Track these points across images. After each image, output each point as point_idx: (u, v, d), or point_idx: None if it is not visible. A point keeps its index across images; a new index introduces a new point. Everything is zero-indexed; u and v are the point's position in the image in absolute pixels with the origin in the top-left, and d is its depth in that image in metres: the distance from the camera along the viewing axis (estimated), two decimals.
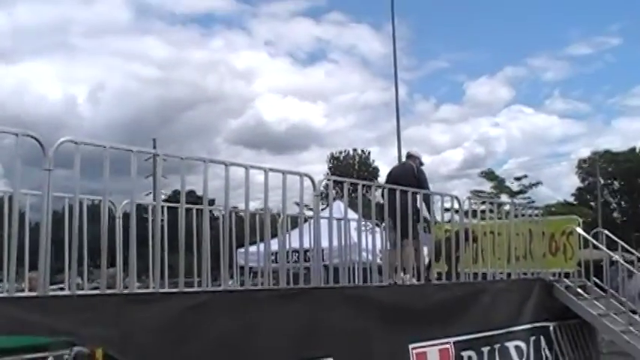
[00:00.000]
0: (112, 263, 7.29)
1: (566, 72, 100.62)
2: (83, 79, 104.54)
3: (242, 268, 9.62)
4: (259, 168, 6.78)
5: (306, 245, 7.59)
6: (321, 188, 7.81)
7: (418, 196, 9.19)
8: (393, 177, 10.07)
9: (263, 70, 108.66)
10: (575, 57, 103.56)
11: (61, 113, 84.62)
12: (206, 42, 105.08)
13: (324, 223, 7.69)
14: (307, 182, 7.22)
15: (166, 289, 6.42)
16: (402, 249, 8.70)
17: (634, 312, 10.81)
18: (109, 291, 5.80)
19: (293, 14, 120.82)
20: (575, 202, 71.12)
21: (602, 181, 71.21)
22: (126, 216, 7.85)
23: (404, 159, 11.84)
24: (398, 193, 8.24)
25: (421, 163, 10.73)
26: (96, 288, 7.10)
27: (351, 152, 77.93)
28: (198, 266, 7.46)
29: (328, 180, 8.14)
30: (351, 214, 8.98)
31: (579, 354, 10.63)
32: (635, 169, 73.33)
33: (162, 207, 8.09)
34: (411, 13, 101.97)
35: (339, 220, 8.26)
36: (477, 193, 45.43)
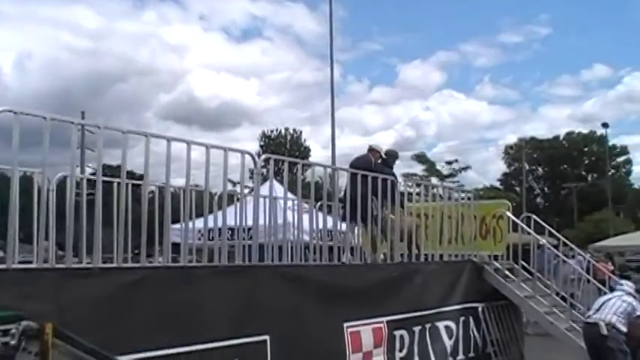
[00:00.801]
0: (44, 237, 7.13)
1: (497, 59, 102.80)
2: (8, 46, 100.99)
3: (175, 244, 9.52)
4: (200, 144, 6.72)
5: (243, 224, 7.57)
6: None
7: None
8: (352, 166, 10.24)
9: (196, 45, 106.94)
10: (506, 44, 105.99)
11: None
12: (138, 14, 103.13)
13: (261, 201, 7.68)
14: (240, 160, 7.16)
15: (105, 265, 6.31)
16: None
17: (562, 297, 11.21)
18: (46, 265, 5.69)
19: None
20: (501, 187, 72.84)
21: (527, 167, 72.99)
22: (59, 189, 7.69)
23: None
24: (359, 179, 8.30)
25: (381, 157, 11.01)
26: (25, 262, 6.97)
27: (283, 131, 77.89)
28: (132, 242, 7.38)
29: (268, 159, 8.12)
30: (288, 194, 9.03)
31: (505, 334, 10.96)
32: (558, 156, 75.58)
33: (94, 181, 7.92)
34: None
35: (276, 198, 8.27)
36: (409, 176, 45.99)
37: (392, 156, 11.46)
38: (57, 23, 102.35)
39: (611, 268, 19.32)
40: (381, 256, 9.91)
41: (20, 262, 7.07)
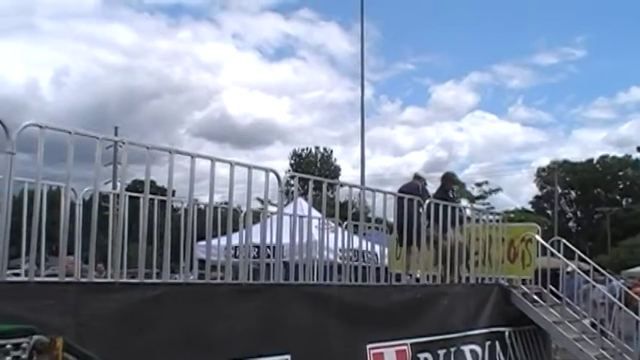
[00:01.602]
0: (69, 251, 7.17)
1: (531, 81, 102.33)
2: (47, 62, 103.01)
3: (201, 261, 9.53)
4: (225, 161, 6.72)
5: (268, 241, 7.54)
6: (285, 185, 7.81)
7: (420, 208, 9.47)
8: (401, 192, 10.30)
9: (229, 64, 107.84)
10: (541, 66, 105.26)
11: (22, 96, 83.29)
12: (173, 32, 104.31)
13: (286, 219, 7.65)
14: (271, 178, 7.17)
15: (125, 280, 6.32)
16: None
17: (593, 325, 11.01)
18: (68, 279, 5.69)
19: (263, 9, 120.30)
20: (532, 210, 72.10)
21: (559, 190, 72.22)
22: (85, 204, 7.74)
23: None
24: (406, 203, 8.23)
25: (425, 184, 11.49)
26: (52, 275, 6.98)
27: (314, 150, 78.01)
28: (156, 257, 7.37)
29: (293, 176, 8.11)
30: (314, 213, 8.97)
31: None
32: (591, 179, 74.68)
33: (124, 196, 7.97)
34: (380, 15, 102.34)
35: (302, 217, 8.23)
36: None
37: (446, 178, 12.01)
38: (93, 40, 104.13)
39: None
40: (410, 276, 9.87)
41: (48, 276, 7.13)
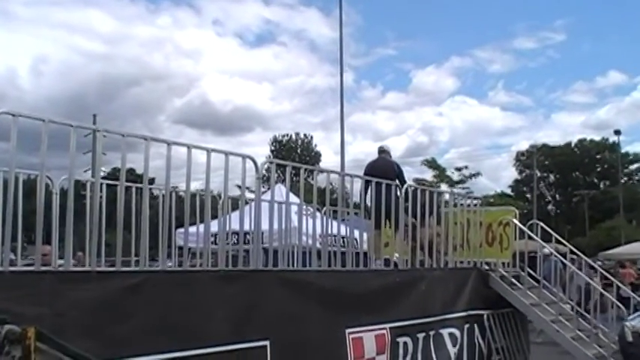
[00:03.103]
0: (47, 240, 7.13)
1: (511, 65, 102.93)
2: (24, 50, 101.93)
3: (180, 248, 9.52)
4: (202, 148, 6.70)
5: (247, 228, 7.54)
6: (264, 171, 7.82)
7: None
8: (378, 169, 10.37)
9: (210, 50, 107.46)
10: (520, 50, 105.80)
11: (0, 85, 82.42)
12: (153, 18, 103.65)
13: (264, 206, 7.66)
14: (249, 164, 7.17)
15: (103, 268, 6.30)
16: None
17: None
18: (44, 268, 5.67)
19: None
20: (512, 194, 72.58)
21: (538, 174, 72.70)
22: (63, 192, 7.69)
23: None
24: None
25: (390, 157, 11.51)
26: (29, 265, 6.95)
27: (294, 136, 77.97)
28: (135, 246, 7.35)
29: (270, 163, 8.10)
30: (293, 199, 8.98)
31: (511, 342, 10.87)
32: (570, 163, 75.28)
33: (101, 184, 7.94)
34: (361, 0, 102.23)
35: (280, 203, 8.23)
36: (419, 182, 45.81)
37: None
38: (71, 27, 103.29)
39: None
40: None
41: (26, 265, 7.08)
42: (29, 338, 2.88)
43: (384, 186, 8.99)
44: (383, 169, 10.49)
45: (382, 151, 11.42)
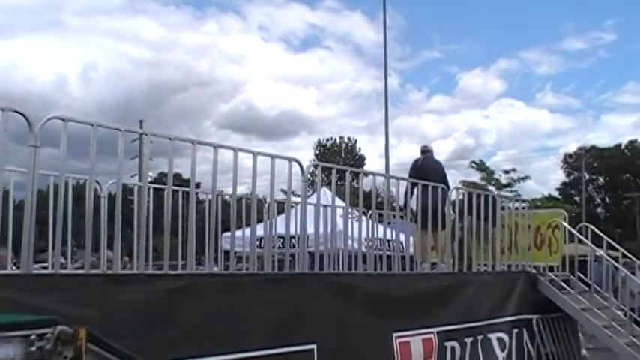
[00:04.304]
0: (95, 244, 7.24)
1: (559, 66, 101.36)
2: (75, 58, 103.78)
3: (226, 252, 9.57)
4: (248, 151, 6.73)
5: (292, 231, 7.55)
6: (308, 175, 7.82)
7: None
8: (427, 169, 10.28)
9: (255, 55, 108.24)
10: (569, 52, 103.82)
11: (51, 92, 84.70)
12: (199, 25, 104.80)
13: (310, 209, 7.65)
14: (295, 168, 7.16)
15: (150, 271, 6.36)
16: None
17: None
18: (93, 271, 5.74)
19: (288, 0, 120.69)
20: (559, 197, 71.44)
21: (587, 177, 71.50)
22: (111, 197, 7.80)
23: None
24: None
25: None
26: (79, 268, 7.05)
27: (338, 140, 78.02)
28: (182, 249, 7.41)
29: (315, 166, 8.10)
30: (338, 202, 8.96)
31: (560, 347, 10.68)
32: (619, 165, 73.76)
33: (148, 188, 8.02)
34: (406, 4, 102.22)
35: (325, 206, 8.22)
36: (467, 185, 45.30)
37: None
38: (119, 35, 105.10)
39: None
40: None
41: (76, 269, 7.20)
42: (80, 339, 2.91)
43: (430, 187, 8.87)
44: (433, 167, 10.41)
45: (427, 150, 11.16)
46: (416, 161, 10.90)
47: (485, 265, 9.96)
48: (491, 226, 9.91)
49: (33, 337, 2.80)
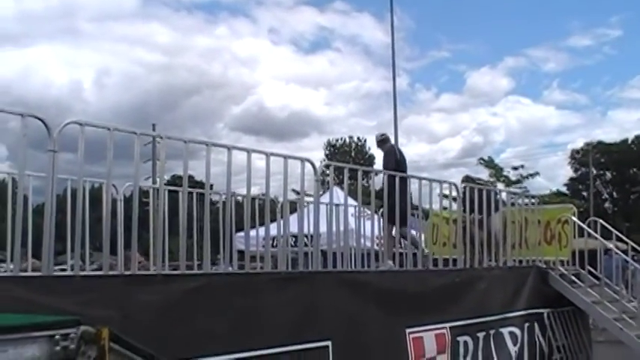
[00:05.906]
0: (112, 246, 7.33)
1: (566, 63, 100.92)
2: (89, 63, 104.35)
3: (241, 252, 9.66)
4: (261, 152, 6.82)
5: (305, 230, 7.63)
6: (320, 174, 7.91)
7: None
8: (403, 161, 10.38)
9: (266, 58, 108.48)
10: (575, 48, 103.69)
11: (66, 97, 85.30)
12: (211, 29, 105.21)
13: (322, 208, 7.73)
14: (307, 168, 7.25)
15: (167, 272, 6.45)
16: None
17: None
18: (111, 272, 5.83)
19: (297, 3, 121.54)
20: (567, 192, 71.22)
21: (594, 172, 71.29)
22: (126, 199, 7.90)
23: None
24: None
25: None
26: (97, 270, 7.15)
27: (348, 140, 78.13)
28: (198, 250, 7.50)
29: (328, 166, 8.18)
30: (350, 201, 9.05)
31: (572, 340, 10.74)
32: (626, 160, 73.52)
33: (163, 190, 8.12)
34: (414, 4, 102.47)
35: (337, 205, 8.31)
36: (471, 180, 45.04)
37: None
38: (132, 40, 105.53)
39: None
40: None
41: (94, 270, 7.30)
42: (103, 339, 2.99)
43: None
44: (403, 156, 10.54)
45: (387, 139, 11.05)
46: (393, 152, 10.70)
47: (496, 260, 9.99)
48: (486, 215, 9.89)
49: (57, 337, 2.86)
